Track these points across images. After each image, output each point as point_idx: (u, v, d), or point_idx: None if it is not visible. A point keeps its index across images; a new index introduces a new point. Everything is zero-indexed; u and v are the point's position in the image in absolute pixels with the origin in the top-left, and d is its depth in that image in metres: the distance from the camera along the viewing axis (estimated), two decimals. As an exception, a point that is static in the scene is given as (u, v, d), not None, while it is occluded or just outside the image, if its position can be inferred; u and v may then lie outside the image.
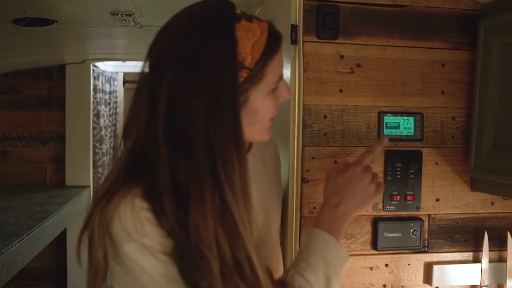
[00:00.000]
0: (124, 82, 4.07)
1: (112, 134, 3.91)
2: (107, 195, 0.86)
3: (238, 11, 0.88)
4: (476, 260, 1.33)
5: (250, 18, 0.88)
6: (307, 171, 1.21)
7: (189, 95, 0.83)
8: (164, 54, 0.86)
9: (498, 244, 1.33)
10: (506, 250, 1.32)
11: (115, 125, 3.95)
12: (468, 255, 1.33)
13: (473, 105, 1.25)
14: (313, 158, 1.21)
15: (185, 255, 0.81)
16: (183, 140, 0.83)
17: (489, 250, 1.31)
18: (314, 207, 1.21)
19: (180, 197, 0.82)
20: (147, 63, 0.89)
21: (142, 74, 0.90)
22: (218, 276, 0.80)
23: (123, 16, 2.09)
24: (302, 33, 1.19)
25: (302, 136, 1.21)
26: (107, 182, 0.89)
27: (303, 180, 1.21)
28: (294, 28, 1.21)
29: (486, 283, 1.31)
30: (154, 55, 0.88)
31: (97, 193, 0.89)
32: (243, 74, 0.85)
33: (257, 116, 0.92)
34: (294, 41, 1.22)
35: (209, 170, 0.82)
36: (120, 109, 4.03)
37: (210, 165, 0.83)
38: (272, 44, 0.89)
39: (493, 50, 1.18)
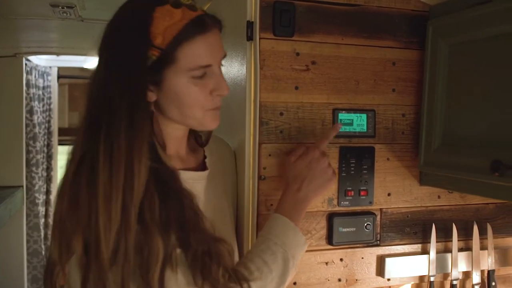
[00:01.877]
0: (58, 77, 3.90)
1: (46, 131, 3.74)
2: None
3: None
4: (425, 251, 1.38)
5: (178, 5, 0.93)
6: (264, 168, 1.21)
7: (106, 69, 0.95)
8: (103, 43, 0.98)
9: (444, 235, 1.39)
10: (451, 241, 1.38)
11: (49, 121, 3.78)
12: (417, 247, 1.38)
13: (422, 103, 1.29)
14: (270, 155, 1.21)
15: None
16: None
17: (436, 242, 1.37)
18: (271, 204, 1.21)
19: None
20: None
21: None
22: None
23: (64, 8, 2.01)
24: (258, 30, 1.18)
25: (259, 133, 1.20)
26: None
27: (260, 178, 1.21)
28: (250, 24, 1.20)
29: (433, 273, 1.36)
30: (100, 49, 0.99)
31: (58, 193, 0.89)
32: (154, 53, 0.92)
33: (181, 101, 0.97)
34: (250, 38, 1.21)
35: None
36: (55, 105, 3.87)
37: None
38: (189, 30, 0.93)
39: (440, 50, 1.23)
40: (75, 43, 2.90)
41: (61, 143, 3.92)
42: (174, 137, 1.07)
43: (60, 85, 3.95)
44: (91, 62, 3.51)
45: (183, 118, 1.01)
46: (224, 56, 1.03)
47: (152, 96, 0.96)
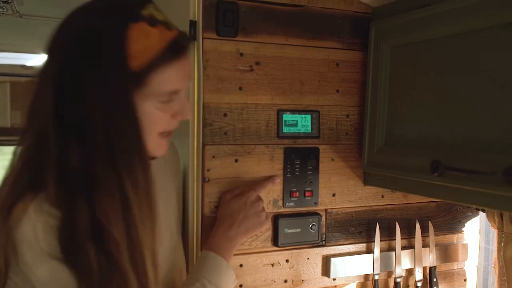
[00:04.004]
0: (-2, 75, 3.73)
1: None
2: (9, 200, 0.82)
3: (145, 12, 0.86)
4: (369, 250, 1.40)
5: (153, 23, 0.86)
6: (208, 170, 1.19)
7: (83, 85, 0.83)
8: (63, 46, 0.86)
9: (388, 234, 1.42)
10: (394, 239, 1.41)
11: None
12: (362, 246, 1.40)
13: (366, 104, 1.31)
14: (214, 157, 1.19)
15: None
16: (82, 129, 0.83)
17: (380, 240, 1.39)
18: (216, 207, 1.20)
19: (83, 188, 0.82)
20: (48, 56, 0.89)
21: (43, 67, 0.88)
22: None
23: (0, 3, 1.92)
24: (201, 30, 1.16)
25: (203, 134, 1.18)
26: (7, 185, 0.84)
27: (204, 180, 1.19)
28: (193, 24, 1.18)
29: (377, 271, 1.38)
30: (55, 49, 0.88)
31: None
32: (127, 75, 0.84)
33: (142, 125, 0.89)
34: (193, 38, 1.18)
35: (107, 161, 0.83)
36: (-5, 104, 3.70)
37: (110, 158, 0.83)
38: (166, 55, 0.87)
39: (382, 51, 1.25)
40: (15, 40, 2.79)
41: (2, 143, 3.75)
42: None
43: (0, 83, 3.78)
44: (33, 60, 3.39)
45: None
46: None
47: None
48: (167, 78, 0.89)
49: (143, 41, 0.84)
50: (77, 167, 0.81)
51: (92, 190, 0.81)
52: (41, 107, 0.85)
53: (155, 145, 0.95)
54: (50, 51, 0.88)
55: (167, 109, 0.92)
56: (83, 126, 0.83)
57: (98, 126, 0.82)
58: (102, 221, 0.80)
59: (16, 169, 0.86)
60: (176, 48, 0.89)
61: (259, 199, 1.17)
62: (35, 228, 0.80)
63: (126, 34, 0.83)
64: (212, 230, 1.14)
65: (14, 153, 0.88)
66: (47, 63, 0.88)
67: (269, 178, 1.23)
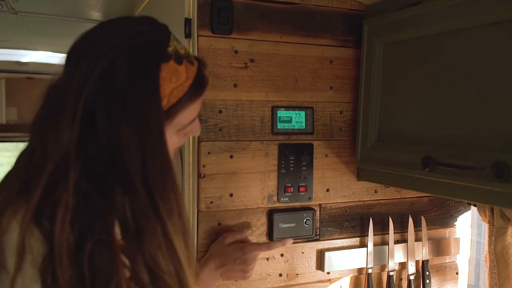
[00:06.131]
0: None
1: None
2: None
3: (170, 49, 0.84)
4: (363, 244, 1.42)
5: (180, 60, 0.85)
6: (204, 166, 1.21)
7: (121, 124, 0.79)
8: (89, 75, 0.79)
9: (381, 228, 1.44)
10: (388, 233, 1.43)
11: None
12: (356, 240, 1.42)
13: (359, 100, 1.33)
14: (209, 153, 1.21)
15: None
16: (122, 171, 0.79)
17: (374, 235, 1.41)
18: (211, 202, 1.22)
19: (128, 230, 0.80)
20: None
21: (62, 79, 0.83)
22: None
23: (-6, 0, 1.92)
24: (196, 28, 1.18)
25: (198, 131, 1.20)
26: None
27: (200, 175, 1.21)
28: (188, 21, 1.20)
29: (371, 265, 1.41)
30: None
31: None
32: (162, 115, 0.83)
33: None
34: (188, 35, 1.20)
35: (149, 204, 0.80)
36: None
37: (149, 200, 0.80)
38: (193, 92, 0.87)
39: (375, 48, 1.26)
40: (10, 36, 2.78)
41: (-2, 140, 3.75)
42: None
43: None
44: (28, 56, 3.38)
45: None
46: None
47: None
48: (191, 112, 0.89)
49: (174, 81, 0.84)
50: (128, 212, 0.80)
51: (138, 240, 0.79)
52: (60, 136, 0.80)
53: None
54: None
55: (183, 132, 0.93)
56: (118, 170, 0.80)
57: (136, 170, 0.80)
58: (153, 268, 0.79)
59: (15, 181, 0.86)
60: (201, 82, 0.89)
61: (254, 259, 1.19)
62: (24, 238, 0.77)
63: (159, 75, 0.82)
64: (201, 261, 1.20)
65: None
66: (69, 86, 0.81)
67: (279, 242, 1.23)
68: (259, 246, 1.22)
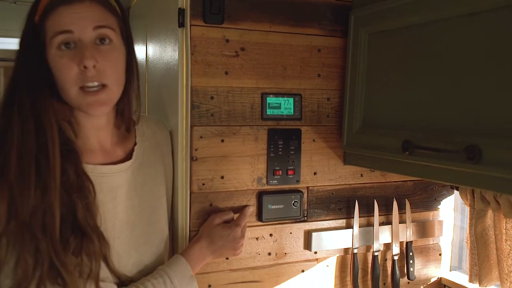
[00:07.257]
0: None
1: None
2: None
3: None
4: (349, 226, 1.48)
5: None
6: (196, 149, 1.27)
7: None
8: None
9: (367, 211, 1.50)
10: (373, 215, 1.50)
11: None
12: (342, 222, 1.48)
13: (345, 87, 1.38)
14: (201, 137, 1.27)
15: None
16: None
17: (359, 217, 1.48)
18: (203, 184, 1.28)
19: None
20: None
21: None
22: None
23: (-6, -10, 1.96)
24: (189, 17, 1.23)
25: (191, 116, 1.26)
26: None
27: (192, 159, 1.26)
28: (181, 11, 1.25)
29: (356, 245, 1.47)
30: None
31: None
32: (37, 30, 1.00)
33: (56, 76, 1.01)
34: (181, 24, 1.25)
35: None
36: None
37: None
38: (54, 1, 0.98)
39: (361, 38, 1.32)
40: (9, 25, 2.81)
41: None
42: (91, 127, 1.10)
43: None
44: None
45: (65, 98, 1.03)
46: (104, 27, 1.02)
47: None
48: (56, 20, 0.98)
49: None
50: None
51: None
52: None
53: (81, 101, 1.02)
54: None
55: (70, 57, 0.98)
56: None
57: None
58: None
59: None
60: None
61: (242, 236, 1.27)
62: None
63: None
64: (192, 240, 1.27)
65: None
66: None
67: (243, 213, 1.32)
68: (241, 218, 1.29)
